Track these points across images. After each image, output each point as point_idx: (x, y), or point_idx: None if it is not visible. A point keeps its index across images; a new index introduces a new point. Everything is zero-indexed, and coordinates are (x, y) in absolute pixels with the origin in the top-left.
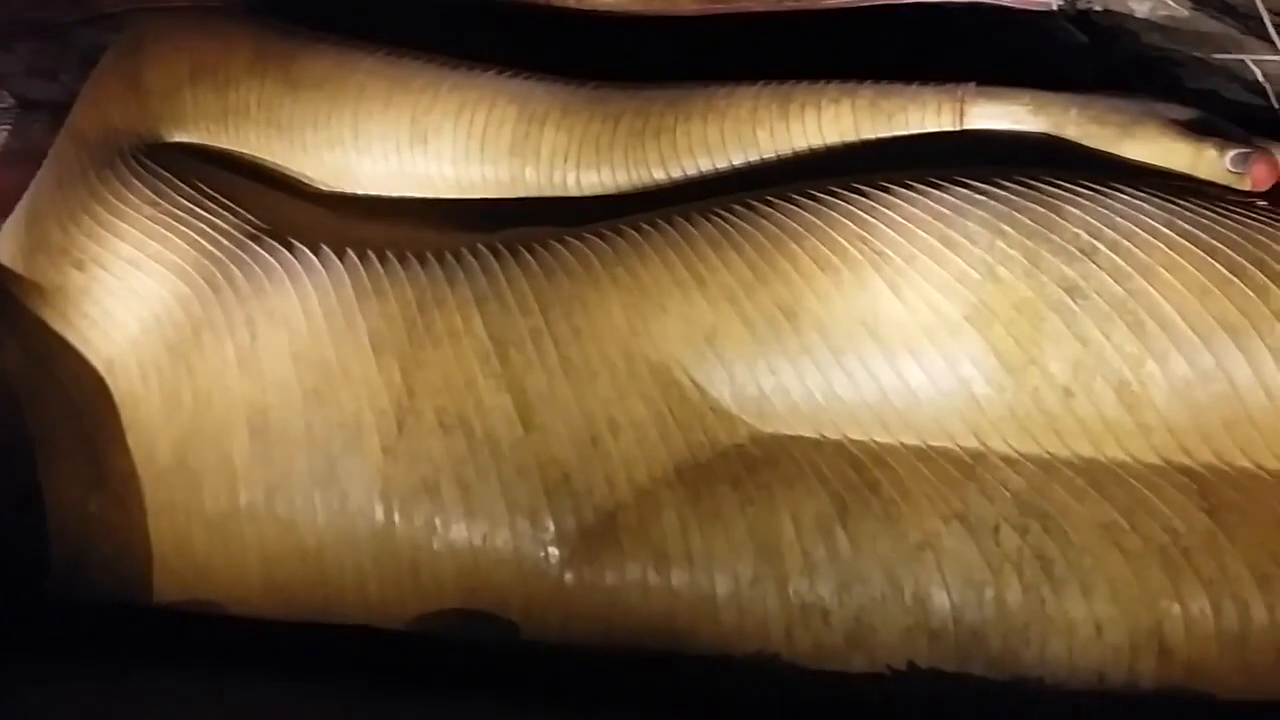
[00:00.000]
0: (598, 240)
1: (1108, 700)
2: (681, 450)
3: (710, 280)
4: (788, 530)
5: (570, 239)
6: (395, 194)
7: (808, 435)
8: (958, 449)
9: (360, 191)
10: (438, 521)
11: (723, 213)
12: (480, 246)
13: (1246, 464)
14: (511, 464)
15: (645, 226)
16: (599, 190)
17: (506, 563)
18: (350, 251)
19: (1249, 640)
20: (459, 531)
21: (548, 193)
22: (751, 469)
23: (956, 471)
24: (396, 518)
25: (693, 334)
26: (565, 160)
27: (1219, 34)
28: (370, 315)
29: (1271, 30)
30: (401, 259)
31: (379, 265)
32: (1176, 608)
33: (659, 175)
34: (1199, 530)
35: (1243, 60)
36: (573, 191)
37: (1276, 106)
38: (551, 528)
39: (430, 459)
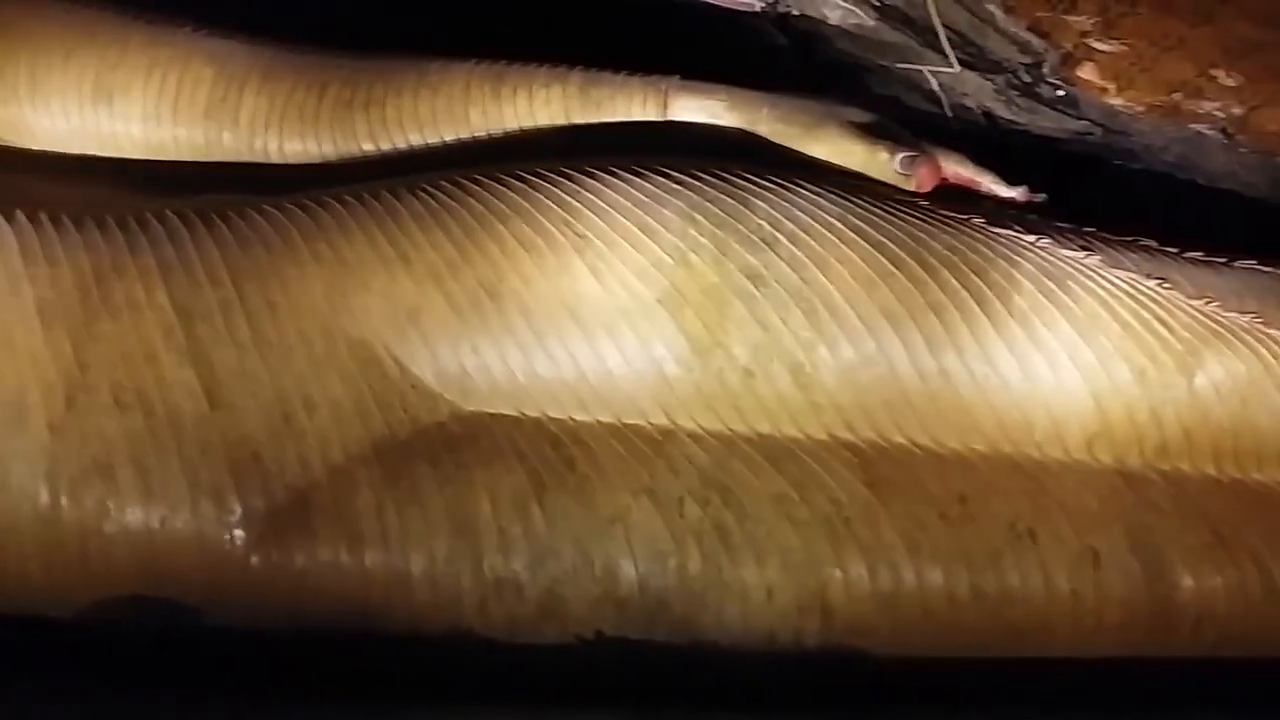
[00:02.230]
0: (299, 212)
1: (777, 657)
2: (380, 429)
3: (415, 258)
4: (485, 508)
5: (269, 209)
6: (76, 152)
7: (508, 413)
8: (649, 426)
9: (36, 148)
10: (111, 504)
11: (430, 190)
12: (168, 213)
13: (902, 440)
14: (195, 443)
15: (350, 200)
16: (303, 159)
17: (188, 547)
18: (19, 213)
19: (899, 600)
20: (135, 514)
21: (247, 159)
22: (451, 447)
23: (647, 448)
24: (64, 500)
25: (395, 312)
26: (267, 127)
27: (900, 44)
28: (39, 283)
29: (945, 44)
30: (78, 223)
31: (51, 229)
32: (838, 573)
33: (367, 147)
34: (860, 501)
35: (921, 70)
36: (274, 159)
37: (949, 115)
38: (238, 509)
39: (104, 438)
